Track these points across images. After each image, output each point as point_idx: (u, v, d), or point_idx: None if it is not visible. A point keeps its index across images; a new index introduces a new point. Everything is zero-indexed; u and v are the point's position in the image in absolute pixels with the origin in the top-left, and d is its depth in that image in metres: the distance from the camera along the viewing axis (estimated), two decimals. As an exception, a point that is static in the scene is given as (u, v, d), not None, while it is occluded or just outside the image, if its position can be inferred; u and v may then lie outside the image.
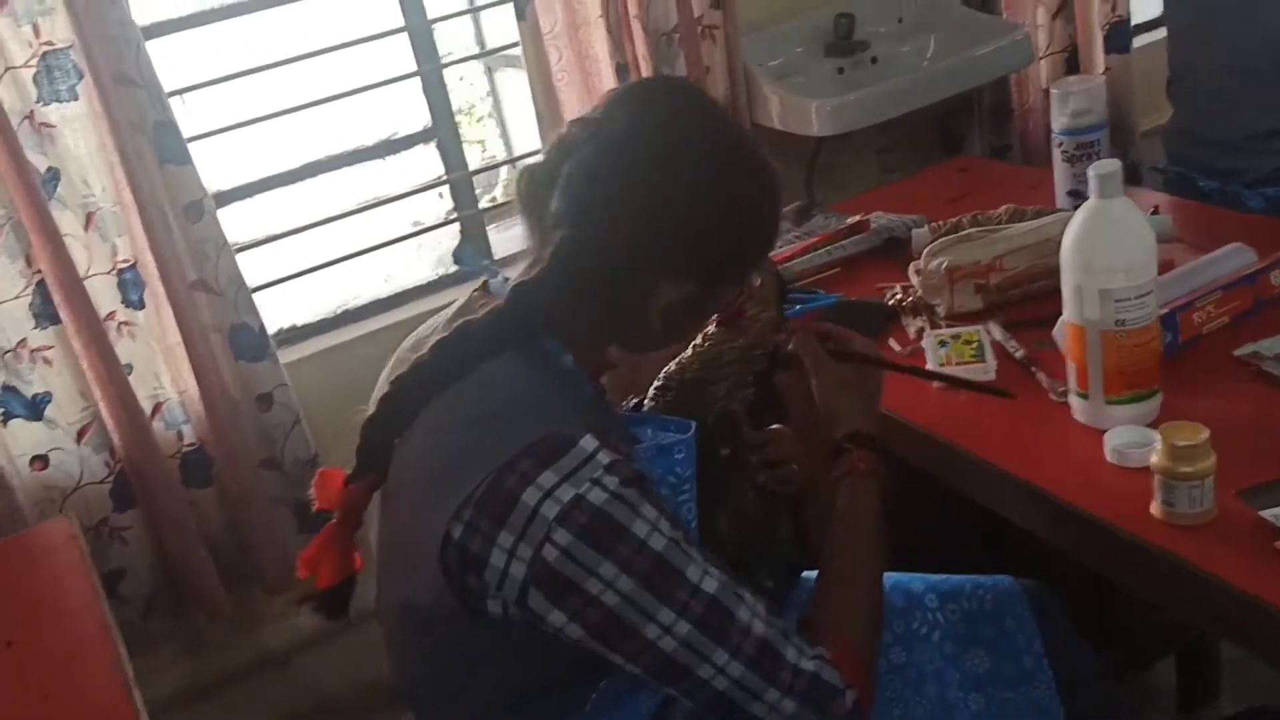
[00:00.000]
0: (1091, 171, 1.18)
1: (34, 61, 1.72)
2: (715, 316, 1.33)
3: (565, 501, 0.94)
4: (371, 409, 1.10)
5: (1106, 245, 1.19)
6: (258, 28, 2.09)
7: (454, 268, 2.13)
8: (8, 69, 1.71)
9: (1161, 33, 2.75)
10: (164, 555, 1.95)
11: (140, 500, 1.91)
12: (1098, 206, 1.19)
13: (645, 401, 1.33)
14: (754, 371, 1.30)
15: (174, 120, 1.81)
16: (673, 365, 1.33)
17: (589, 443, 0.97)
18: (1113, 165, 1.18)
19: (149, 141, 1.79)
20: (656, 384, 1.33)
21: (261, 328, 1.94)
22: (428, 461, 1.05)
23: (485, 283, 1.15)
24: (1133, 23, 2.59)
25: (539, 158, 1.11)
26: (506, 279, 1.15)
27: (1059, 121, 1.64)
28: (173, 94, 1.86)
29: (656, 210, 1.04)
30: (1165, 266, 1.38)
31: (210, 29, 1.98)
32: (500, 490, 0.96)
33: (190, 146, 1.84)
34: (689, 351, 1.32)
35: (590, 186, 1.05)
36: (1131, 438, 1.21)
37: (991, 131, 2.52)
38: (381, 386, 1.14)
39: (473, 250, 1.20)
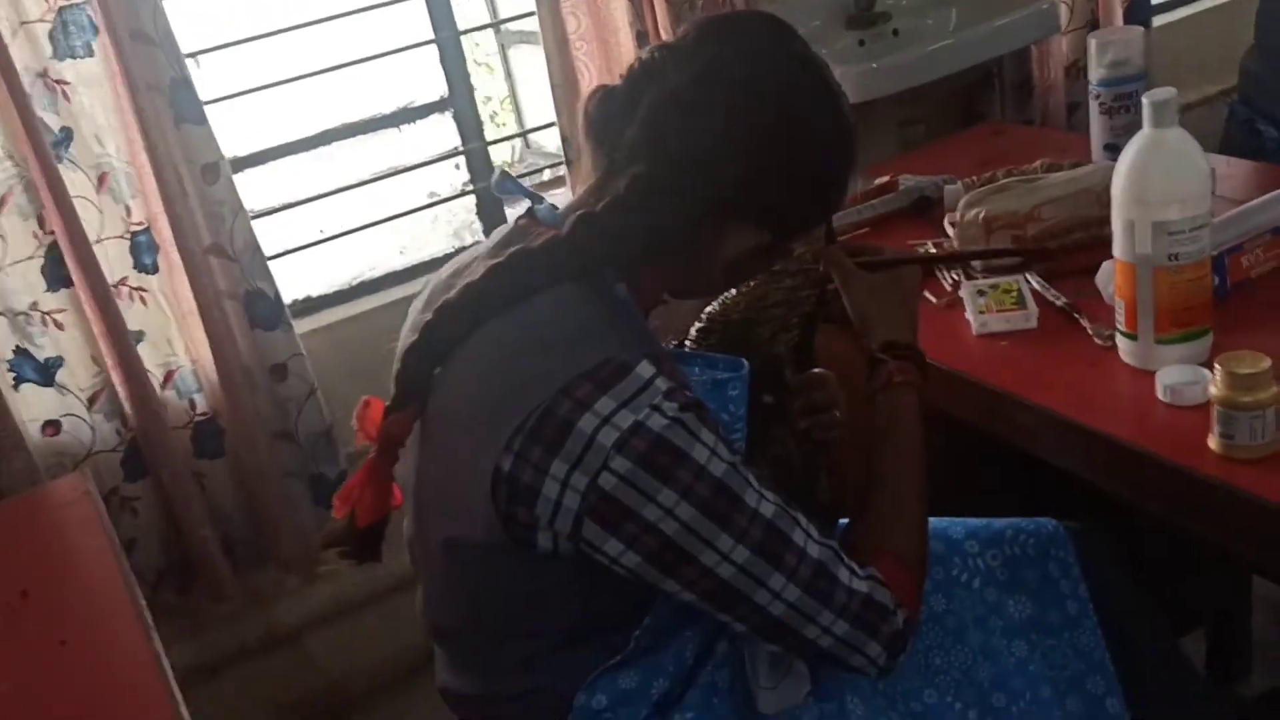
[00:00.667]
0: (1146, 99, 1.15)
1: (49, 16, 1.69)
2: None
3: (624, 428, 0.91)
4: (414, 335, 1.05)
5: (1161, 175, 1.16)
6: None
7: (470, 240, 2.10)
8: (22, 24, 1.68)
9: (1183, 12, 2.76)
10: (175, 528, 1.91)
11: (151, 470, 1.87)
12: (1152, 136, 1.16)
13: (686, 343, 1.29)
14: (799, 313, 1.26)
15: (190, 79, 1.78)
16: (715, 305, 1.29)
17: (646, 369, 0.94)
18: (1168, 93, 1.15)
19: (165, 100, 1.76)
20: (699, 325, 1.29)
21: (277, 295, 1.90)
22: (474, 391, 1.01)
23: (531, 210, 1.10)
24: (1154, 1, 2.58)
25: (617, 82, 1.05)
26: (555, 207, 1.11)
27: (1096, 73, 1.61)
28: (189, 56, 1.83)
29: (745, 154, 1.00)
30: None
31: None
32: (554, 418, 0.92)
33: (205, 110, 1.81)
34: (733, 291, 1.29)
35: (677, 120, 0.99)
36: (1185, 376, 1.18)
37: (1013, 108, 2.49)
38: (418, 314, 1.09)
39: (514, 179, 1.15)
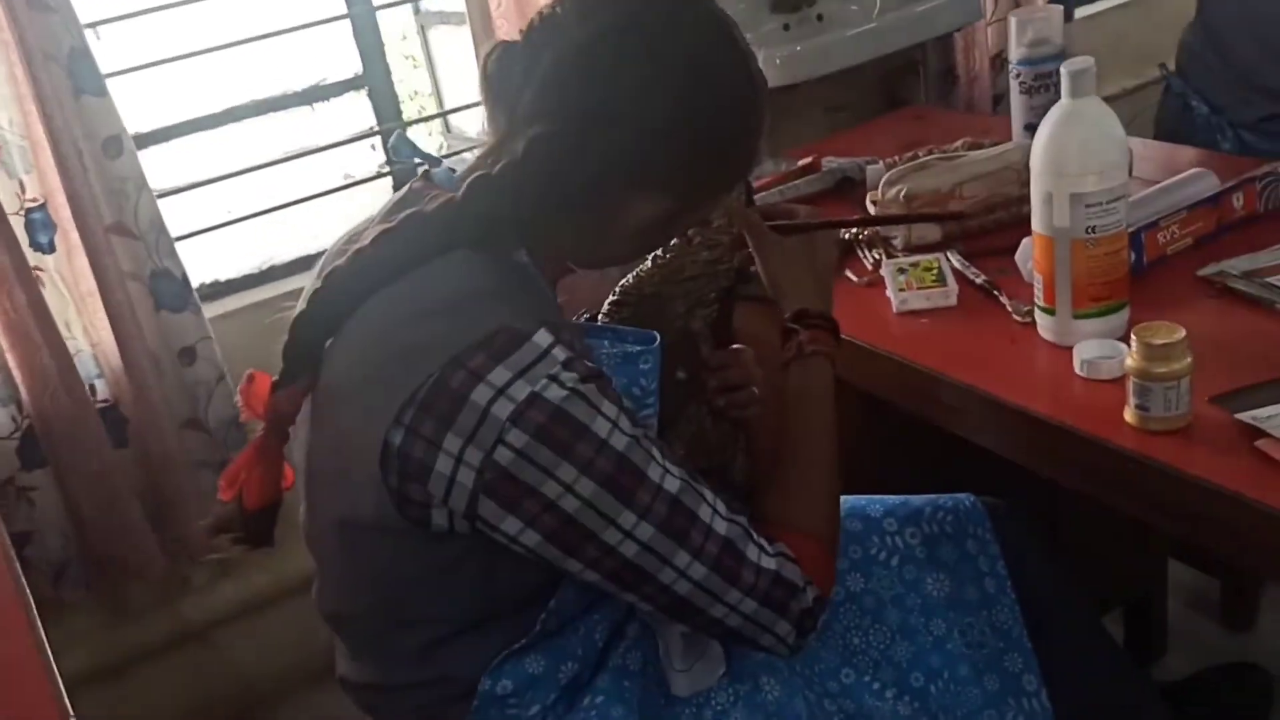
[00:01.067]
0: (1064, 69, 1.14)
1: (-65, -19, 1.61)
2: None
3: (520, 400, 0.86)
4: (302, 305, 0.99)
5: (1078, 146, 1.15)
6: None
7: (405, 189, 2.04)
8: (-95, -12, 1.60)
9: (1104, 4, 2.80)
10: (77, 520, 1.83)
11: (50, 460, 1.79)
12: (1069, 106, 1.15)
13: (599, 317, 1.26)
14: (717, 287, 1.23)
15: (90, 49, 1.70)
16: (629, 278, 1.26)
17: (543, 337, 0.89)
18: (1085, 62, 1.14)
19: (64, 71, 1.68)
20: (611, 298, 1.26)
21: (184, 276, 1.83)
22: (363, 362, 0.95)
23: (427, 172, 1.06)
24: (1075, -9, 2.60)
25: (515, 36, 1.00)
26: (453, 170, 1.06)
27: (1016, 52, 1.61)
28: (88, 26, 1.75)
29: (648, 116, 0.95)
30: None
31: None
32: (446, 389, 0.87)
33: (106, 83, 1.73)
34: (648, 263, 1.25)
35: (576, 81, 0.94)
36: (1101, 350, 1.17)
37: (938, 96, 2.49)
38: (313, 283, 1.03)
39: (411, 142, 1.11)
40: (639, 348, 1.04)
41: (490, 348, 0.88)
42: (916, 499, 1.25)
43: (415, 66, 3.05)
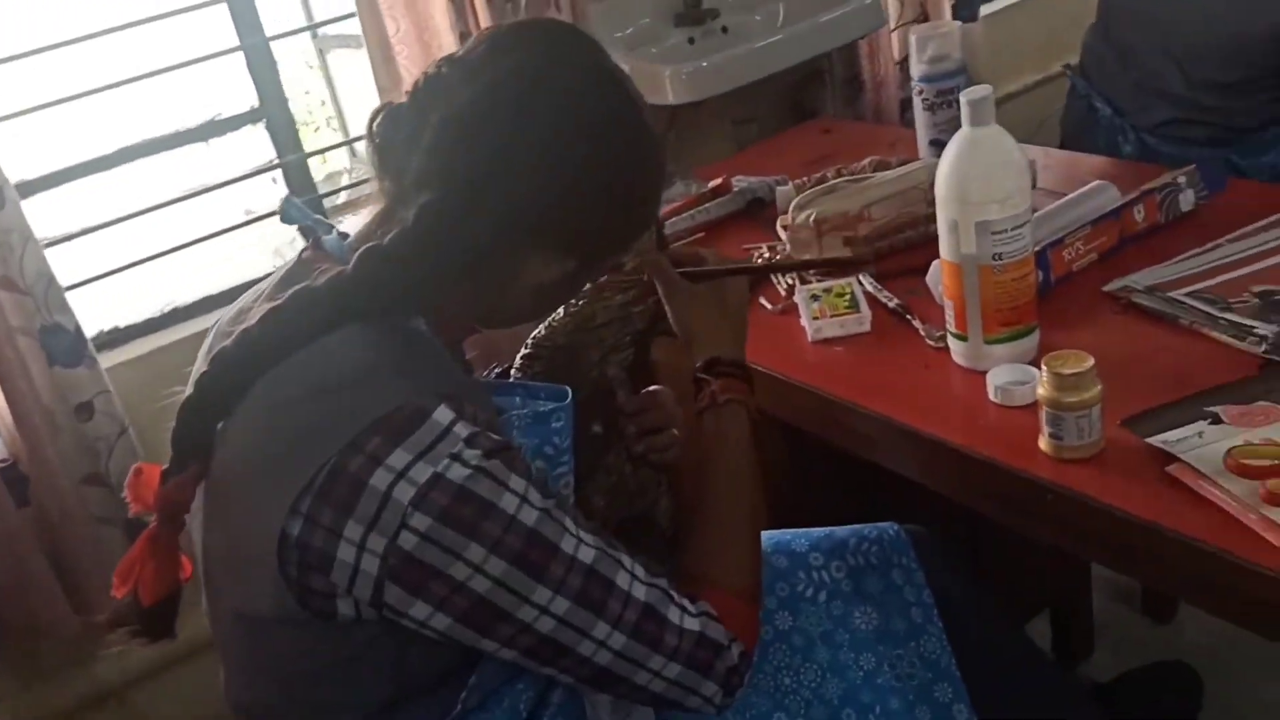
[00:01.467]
0: (963, 97, 1.13)
1: None
2: None
3: (422, 482, 0.83)
4: (189, 390, 0.94)
5: (981, 175, 1.14)
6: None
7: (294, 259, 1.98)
8: None
9: (1006, 1, 2.83)
10: (-22, 585, 1.75)
11: (-54, 524, 1.71)
12: (970, 135, 1.15)
13: (512, 371, 1.22)
14: (632, 330, 1.21)
15: (-37, 97, 1.63)
16: (541, 329, 1.23)
17: (444, 414, 0.85)
18: (984, 91, 1.14)
19: (-66, 120, 1.61)
20: (524, 352, 1.23)
21: (78, 329, 1.75)
22: (256, 447, 0.90)
23: (317, 240, 1.01)
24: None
25: (403, 98, 0.96)
26: (345, 235, 1.02)
27: (918, 69, 1.61)
28: (-38, 71, 1.68)
29: (540, 177, 0.92)
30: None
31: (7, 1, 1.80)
32: (344, 475, 0.84)
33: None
34: (560, 312, 1.22)
35: (464, 144, 0.91)
36: (1014, 376, 1.17)
37: (845, 104, 2.50)
38: (200, 365, 0.98)
39: (301, 203, 1.07)
40: (551, 405, 1.01)
41: (388, 429, 0.84)
42: (841, 530, 1.24)
43: (306, 93, 2.98)
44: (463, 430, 0.85)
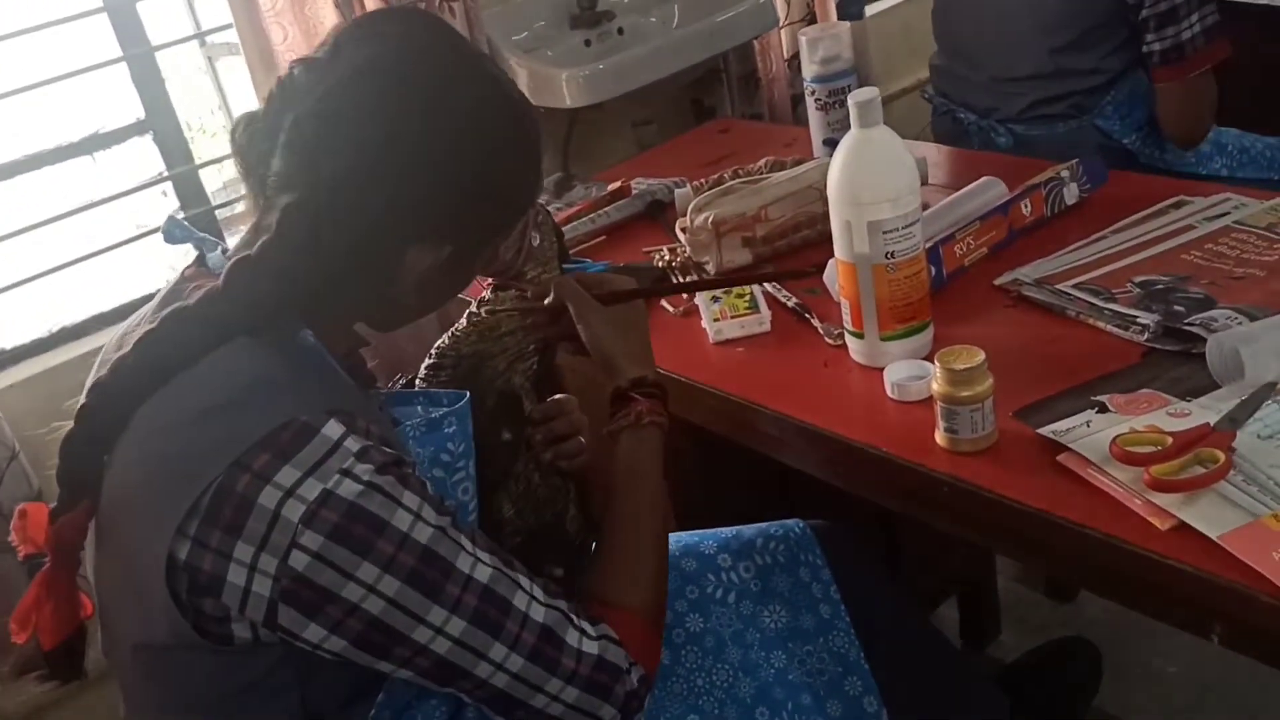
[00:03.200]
0: (851, 99, 1.15)
1: None
2: (489, 280, 1.23)
3: (312, 499, 0.82)
4: (71, 424, 0.91)
5: (871, 175, 1.17)
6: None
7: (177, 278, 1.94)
8: None
9: (890, 1, 2.88)
10: None
11: None
12: (859, 136, 1.17)
13: (417, 381, 1.21)
14: (536, 340, 1.20)
15: None
16: (446, 338, 1.22)
17: (333, 429, 0.84)
18: (871, 93, 1.16)
19: None
20: (428, 362, 1.22)
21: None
22: (141, 475, 0.88)
23: (200, 257, 0.99)
24: (865, -10, 2.67)
25: (260, 106, 0.95)
26: (226, 251, 1.00)
27: (809, 69, 1.63)
28: None
29: (403, 167, 0.90)
30: (921, 208, 1.38)
31: None
32: (231, 494, 0.82)
33: None
34: (464, 321, 1.21)
35: (318, 142, 0.89)
36: (909, 371, 1.20)
37: (742, 100, 2.52)
38: (82, 396, 0.94)
39: (185, 220, 1.04)
40: (442, 411, 1.01)
41: (275, 445, 0.83)
42: (748, 530, 1.26)
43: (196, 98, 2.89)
44: (353, 445, 0.84)
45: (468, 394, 1.04)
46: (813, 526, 1.27)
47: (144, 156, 2.09)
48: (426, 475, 0.99)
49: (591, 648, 0.94)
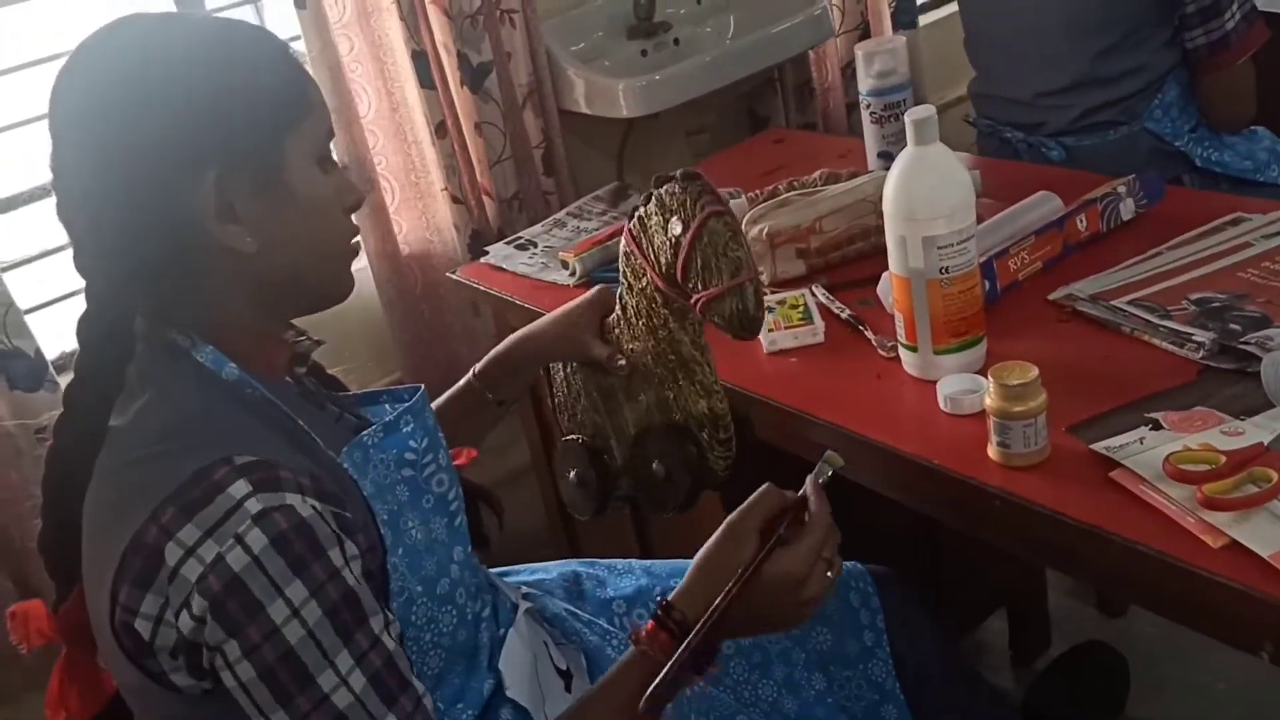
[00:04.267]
0: (908, 117, 1.17)
1: None
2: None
3: (208, 561, 0.80)
4: (40, 522, 0.95)
5: (926, 192, 1.18)
6: (27, 17, 1.89)
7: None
8: None
9: (949, 9, 2.88)
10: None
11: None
12: (915, 153, 1.18)
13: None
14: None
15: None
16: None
17: (239, 488, 0.81)
18: (927, 110, 1.17)
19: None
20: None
21: (38, 352, 1.75)
22: (91, 523, 0.90)
23: None
24: (919, 0, 2.67)
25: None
26: None
27: (865, 84, 1.65)
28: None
29: (113, 136, 0.87)
30: (976, 221, 1.39)
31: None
32: (143, 548, 0.82)
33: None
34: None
35: (60, 149, 0.90)
36: (963, 385, 1.21)
37: (797, 110, 2.54)
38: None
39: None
40: (400, 408, 1.02)
41: (181, 500, 0.82)
42: None
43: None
44: (254, 506, 0.81)
45: (422, 386, 1.05)
46: (868, 566, 1.29)
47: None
48: (396, 478, 0.99)
49: None
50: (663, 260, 1.15)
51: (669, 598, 1.00)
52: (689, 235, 1.11)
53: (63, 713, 0.97)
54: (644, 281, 1.19)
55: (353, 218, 1.01)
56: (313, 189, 0.95)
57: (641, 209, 1.17)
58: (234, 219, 0.91)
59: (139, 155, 0.88)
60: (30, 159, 1.99)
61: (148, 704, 0.91)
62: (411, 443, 1.00)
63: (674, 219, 1.12)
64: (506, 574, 1.27)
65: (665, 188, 1.15)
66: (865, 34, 2.52)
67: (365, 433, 0.98)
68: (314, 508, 0.84)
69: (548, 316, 1.33)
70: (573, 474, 1.31)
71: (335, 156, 1.03)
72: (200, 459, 0.83)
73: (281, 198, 0.93)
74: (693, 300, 1.13)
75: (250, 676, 0.81)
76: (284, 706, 0.82)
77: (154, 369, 0.92)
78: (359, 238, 1.04)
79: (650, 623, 0.99)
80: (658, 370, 1.23)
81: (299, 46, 2.04)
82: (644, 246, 1.17)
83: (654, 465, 1.22)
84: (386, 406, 1.06)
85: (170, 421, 0.88)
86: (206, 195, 0.89)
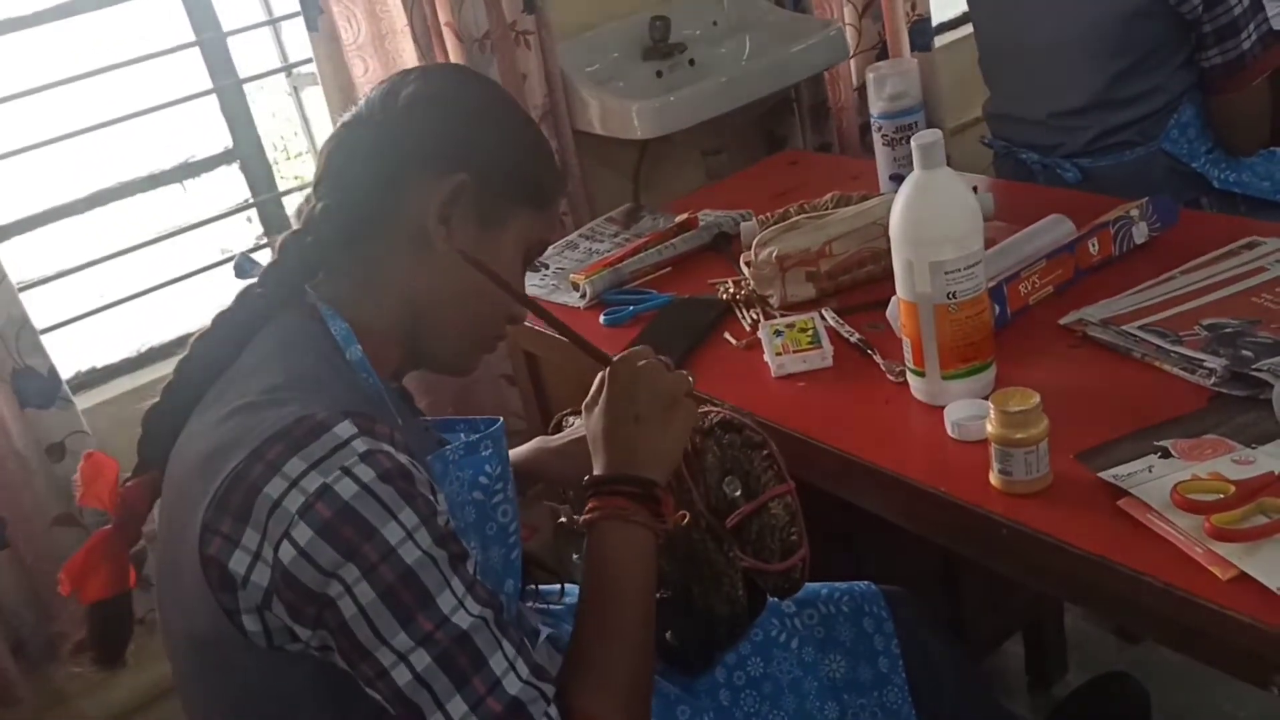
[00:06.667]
0: (914, 142, 1.16)
1: None
2: None
3: (310, 491, 0.82)
4: (157, 398, 1.00)
5: (933, 216, 1.17)
6: (34, 45, 1.92)
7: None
8: None
9: (964, 30, 2.87)
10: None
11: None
12: (922, 178, 1.18)
13: None
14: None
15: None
16: None
17: (345, 428, 0.85)
18: (934, 135, 1.17)
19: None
20: None
21: (51, 371, 1.77)
22: (188, 459, 0.92)
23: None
24: (934, 22, 2.67)
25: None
26: None
27: (876, 105, 1.64)
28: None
29: (407, 117, 1.03)
30: (987, 244, 1.38)
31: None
32: (243, 482, 0.84)
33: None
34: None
35: (342, 139, 1.05)
36: (970, 411, 1.20)
37: (813, 131, 2.54)
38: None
39: (253, 260, 1.09)
40: (482, 434, 1.04)
41: (289, 438, 0.85)
42: (814, 584, 1.25)
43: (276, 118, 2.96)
44: (361, 446, 0.85)
45: (501, 419, 1.07)
46: (882, 589, 1.28)
47: (230, 183, 2.17)
48: (467, 498, 1.01)
49: None
50: (713, 500, 1.13)
51: (601, 473, 1.05)
52: (748, 508, 1.11)
53: (76, 584, 0.99)
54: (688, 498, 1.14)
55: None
56: (503, 267, 1.06)
57: (698, 438, 1.14)
58: (447, 225, 1.02)
59: (433, 124, 1.02)
60: (47, 181, 2.02)
61: (204, 658, 0.92)
62: (487, 467, 1.02)
63: (733, 479, 1.13)
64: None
65: (729, 438, 1.14)
66: (882, 55, 2.52)
67: (449, 447, 1.01)
68: (411, 462, 0.87)
69: (573, 440, 1.26)
70: (576, 557, 1.29)
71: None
72: (307, 406, 0.87)
73: (484, 246, 1.04)
74: (739, 557, 1.11)
75: (370, 599, 0.82)
76: (404, 627, 0.83)
77: (288, 326, 0.99)
78: (501, 344, 1.14)
79: (595, 500, 1.03)
80: (679, 555, 1.15)
81: (308, 69, 2.06)
82: (694, 472, 1.14)
83: (666, 634, 1.17)
84: (461, 435, 1.08)
85: (285, 376, 0.93)
86: (444, 190, 1.01)
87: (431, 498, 0.88)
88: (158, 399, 0.99)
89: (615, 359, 1.10)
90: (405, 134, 1.02)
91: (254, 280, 1.02)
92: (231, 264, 1.07)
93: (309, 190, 1.07)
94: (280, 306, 1.00)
